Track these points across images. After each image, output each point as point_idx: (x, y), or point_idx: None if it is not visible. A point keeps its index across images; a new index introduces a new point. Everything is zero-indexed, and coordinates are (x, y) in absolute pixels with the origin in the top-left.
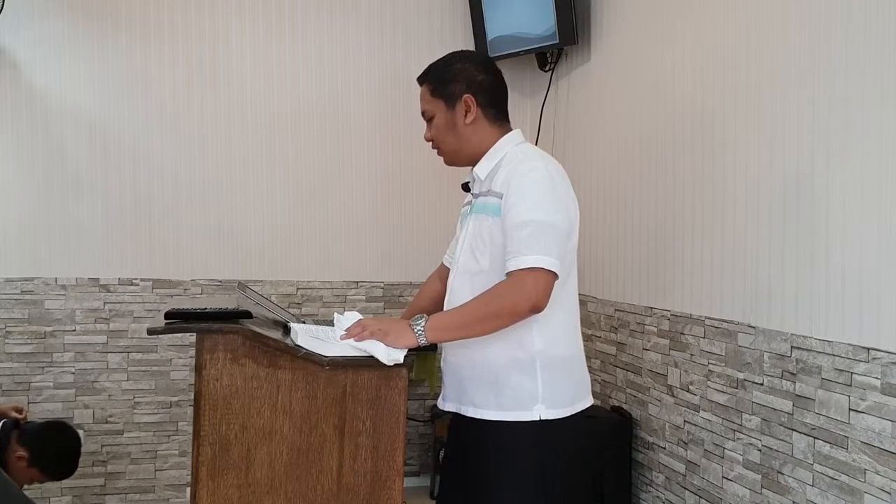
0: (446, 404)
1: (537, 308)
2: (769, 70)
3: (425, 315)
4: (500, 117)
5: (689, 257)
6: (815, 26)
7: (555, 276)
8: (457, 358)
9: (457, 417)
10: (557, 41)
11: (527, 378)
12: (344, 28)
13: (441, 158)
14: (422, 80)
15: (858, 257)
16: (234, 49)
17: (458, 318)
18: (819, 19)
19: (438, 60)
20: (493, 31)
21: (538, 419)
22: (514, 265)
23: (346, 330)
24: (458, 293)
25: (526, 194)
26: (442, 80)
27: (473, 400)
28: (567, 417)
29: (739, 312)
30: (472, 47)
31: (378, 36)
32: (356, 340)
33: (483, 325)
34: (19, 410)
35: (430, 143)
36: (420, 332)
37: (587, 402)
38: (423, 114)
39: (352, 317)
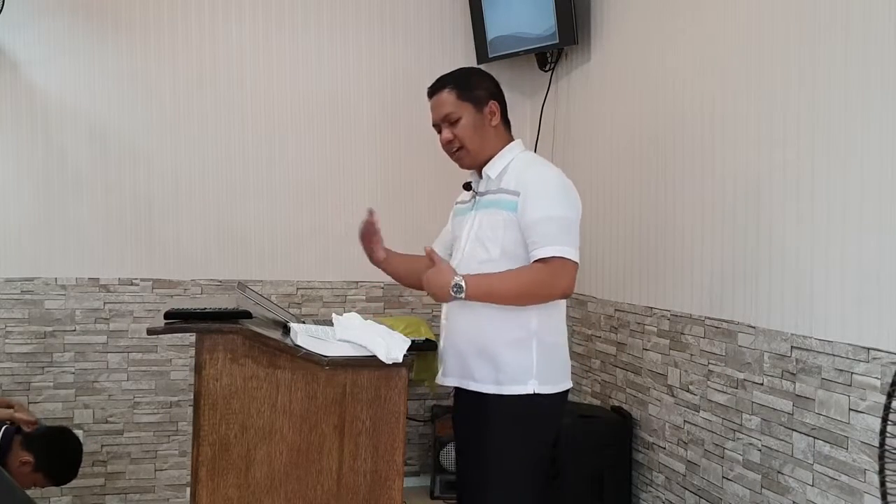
0: (446, 379)
1: (567, 295)
2: (769, 70)
3: (463, 286)
4: (509, 126)
5: (689, 257)
6: (815, 26)
7: (577, 266)
8: (459, 337)
9: (458, 392)
10: (557, 41)
11: (524, 355)
12: (344, 28)
13: (453, 162)
14: (441, 87)
15: (858, 257)
16: (234, 49)
17: (499, 286)
18: (819, 19)
19: (453, 72)
20: (493, 31)
21: (532, 392)
22: (545, 252)
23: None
24: None
25: (548, 193)
26: (466, 86)
27: (474, 375)
28: (556, 394)
29: (739, 312)
30: (472, 47)
31: (378, 36)
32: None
33: (520, 299)
34: (10, 406)
35: (450, 144)
36: (458, 289)
37: (569, 383)
38: (447, 117)
39: (351, 317)
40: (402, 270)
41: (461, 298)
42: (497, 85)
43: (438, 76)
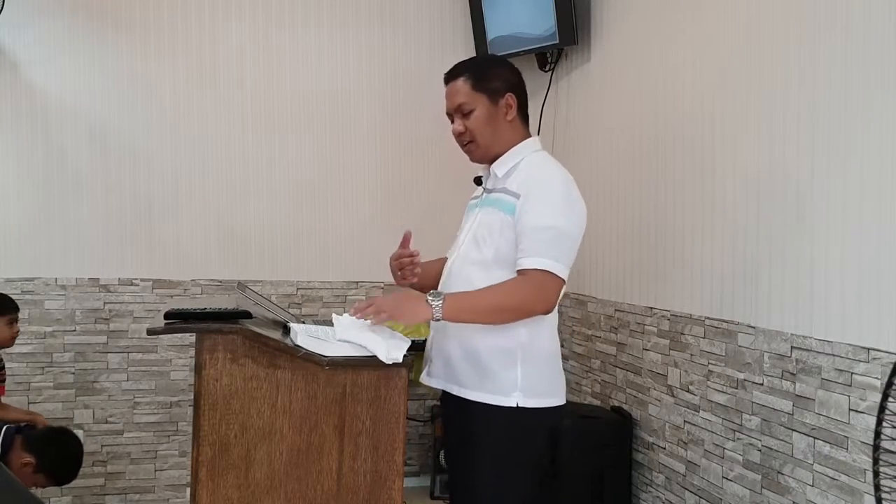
0: (432, 380)
1: (548, 311)
2: (769, 70)
3: (443, 293)
4: (526, 121)
5: (689, 257)
6: (815, 26)
7: (563, 283)
8: (446, 339)
9: (445, 395)
10: (557, 41)
11: (508, 366)
12: (344, 28)
13: (456, 161)
14: (457, 75)
15: (858, 257)
16: (234, 49)
17: (475, 303)
18: (819, 19)
19: (472, 59)
20: (493, 31)
21: (515, 406)
22: (530, 264)
23: (354, 310)
24: (457, 277)
25: (548, 200)
26: (483, 76)
27: (459, 380)
28: (542, 409)
29: (739, 312)
30: (472, 47)
31: (378, 36)
32: (373, 323)
33: (498, 315)
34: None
35: (461, 137)
36: (437, 308)
37: (560, 400)
38: (459, 107)
39: (352, 318)
40: (426, 282)
41: (438, 311)
42: (518, 76)
43: (457, 62)
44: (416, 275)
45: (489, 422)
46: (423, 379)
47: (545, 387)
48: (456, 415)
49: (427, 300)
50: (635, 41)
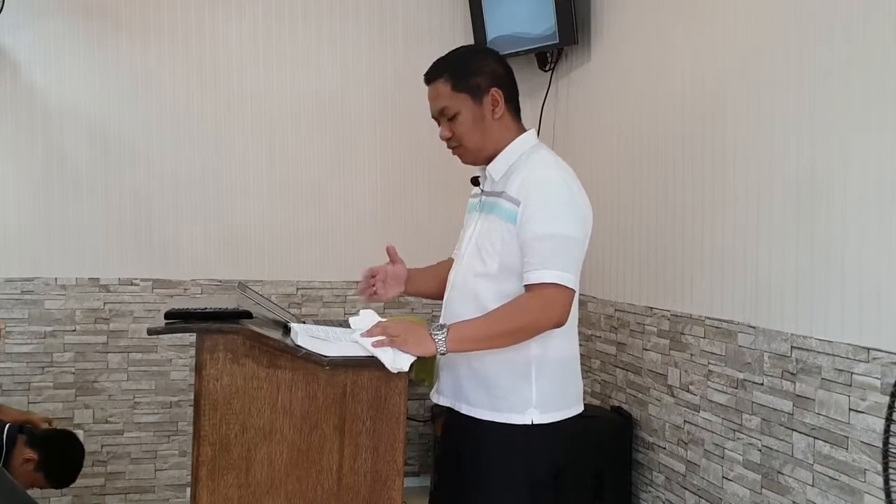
0: (440, 398)
1: (559, 325)
2: (769, 70)
3: (446, 325)
4: (518, 113)
5: (689, 257)
6: (815, 25)
7: (574, 293)
8: (455, 355)
9: (451, 413)
10: (557, 41)
11: (522, 382)
12: (343, 28)
13: (457, 158)
14: (436, 76)
15: (858, 257)
16: (234, 49)
17: (480, 331)
18: (819, 18)
19: (450, 55)
20: (493, 30)
21: (530, 423)
22: (535, 278)
23: (365, 332)
24: (462, 289)
25: (547, 206)
26: (463, 74)
27: (468, 398)
28: (558, 422)
29: (739, 312)
30: None
31: (378, 36)
32: (374, 346)
33: (505, 338)
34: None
35: (448, 141)
36: (441, 342)
37: (578, 408)
38: (442, 111)
39: (367, 314)
40: (423, 289)
41: (442, 345)
42: (503, 65)
43: (436, 59)
44: (375, 294)
45: (502, 442)
46: (433, 397)
47: (562, 398)
48: (464, 434)
49: (431, 333)
50: (636, 41)
